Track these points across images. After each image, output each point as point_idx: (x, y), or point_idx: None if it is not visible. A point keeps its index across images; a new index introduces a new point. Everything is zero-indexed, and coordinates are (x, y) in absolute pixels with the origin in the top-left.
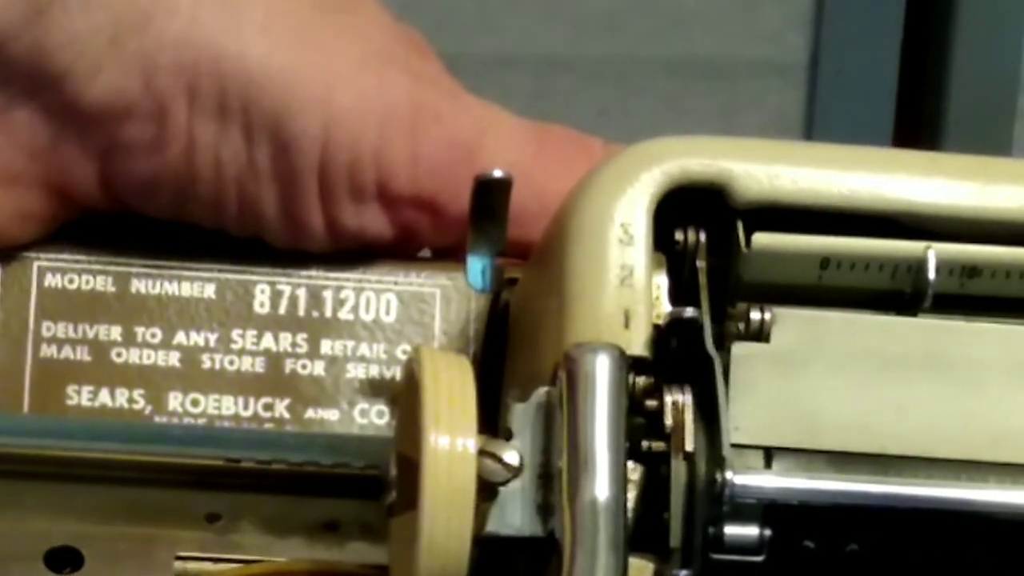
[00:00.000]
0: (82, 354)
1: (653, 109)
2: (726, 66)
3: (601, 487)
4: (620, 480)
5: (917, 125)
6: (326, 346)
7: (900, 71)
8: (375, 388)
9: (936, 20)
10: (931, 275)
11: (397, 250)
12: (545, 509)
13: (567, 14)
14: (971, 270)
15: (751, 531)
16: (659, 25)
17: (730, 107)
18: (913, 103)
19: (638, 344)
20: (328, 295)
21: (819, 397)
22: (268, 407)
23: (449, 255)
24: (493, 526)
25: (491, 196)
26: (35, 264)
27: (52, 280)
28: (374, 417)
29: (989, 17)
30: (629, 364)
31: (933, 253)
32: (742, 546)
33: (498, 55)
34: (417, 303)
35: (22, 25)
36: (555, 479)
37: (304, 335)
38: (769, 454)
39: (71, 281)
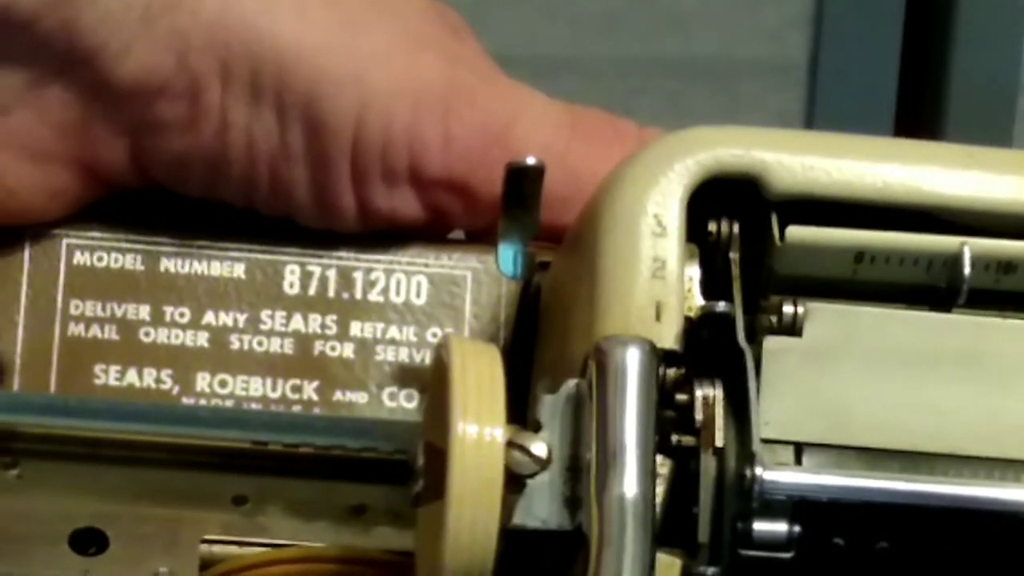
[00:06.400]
0: (110, 333)
1: (653, 109)
2: (726, 66)
3: (630, 483)
4: (649, 475)
5: (917, 125)
6: (356, 328)
7: (900, 71)
8: (404, 371)
9: (936, 20)
10: (966, 270)
11: (429, 232)
12: (573, 502)
13: (567, 14)
14: (1007, 266)
15: (780, 527)
16: (659, 25)
17: (730, 107)
18: (913, 103)
19: (669, 337)
20: (358, 276)
21: (851, 393)
22: (296, 389)
23: (481, 237)
24: (520, 518)
25: (523, 183)
26: (64, 241)
27: (81, 258)
28: (403, 400)
29: (989, 17)
30: (660, 357)
31: (968, 248)
32: (771, 542)
33: (498, 55)
34: (448, 286)
35: (54, 2)
36: (583, 472)
37: (334, 317)
38: (799, 449)
39: (100, 259)
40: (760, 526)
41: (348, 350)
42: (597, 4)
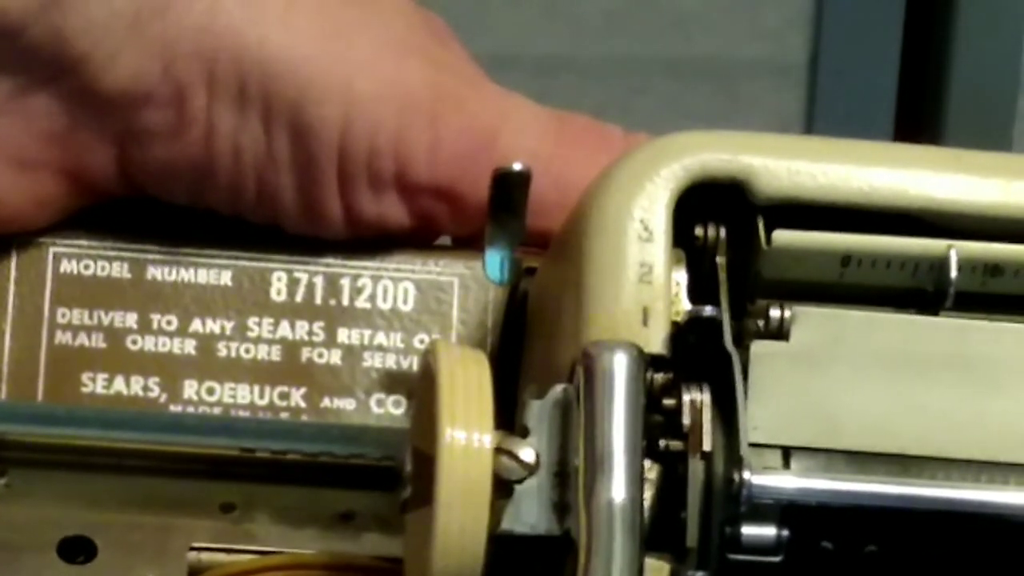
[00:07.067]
0: (97, 341)
1: (653, 109)
2: (726, 66)
3: (618, 488)
4: (637, 481)
5: (917, 125)
6: (343, 335)
7: (900, 71)
8: (392, 378)
9: (936, 20)
10: (953, 273)
11: (416, 238)
12: (561, 508)
13: (567, 14)
14: (994, 268)
15: (768, 531)
16: (659, 25)
17: (730, 107)
18: (913, 103)
19: (656, 342)
20: (345, 283)
21: (838, 396)
22: (284, 396)
23: (468, 243)
24: (508, 524)
25: (510, 189)
26: (51, 250)
27: (68, 266)
28: (391, 407)
29: (989, 17)
30: (647, 362)
31: (955, 251)
32: (759, 546)
33: (498, 55)
34: (435, 292)
35: (41, 10)
36: (571, 477)
37: (321, 323)
38: (787, 454)
39: (87, 267)
40: (748, 530)
41: (335, 357)
42: (597, 4)
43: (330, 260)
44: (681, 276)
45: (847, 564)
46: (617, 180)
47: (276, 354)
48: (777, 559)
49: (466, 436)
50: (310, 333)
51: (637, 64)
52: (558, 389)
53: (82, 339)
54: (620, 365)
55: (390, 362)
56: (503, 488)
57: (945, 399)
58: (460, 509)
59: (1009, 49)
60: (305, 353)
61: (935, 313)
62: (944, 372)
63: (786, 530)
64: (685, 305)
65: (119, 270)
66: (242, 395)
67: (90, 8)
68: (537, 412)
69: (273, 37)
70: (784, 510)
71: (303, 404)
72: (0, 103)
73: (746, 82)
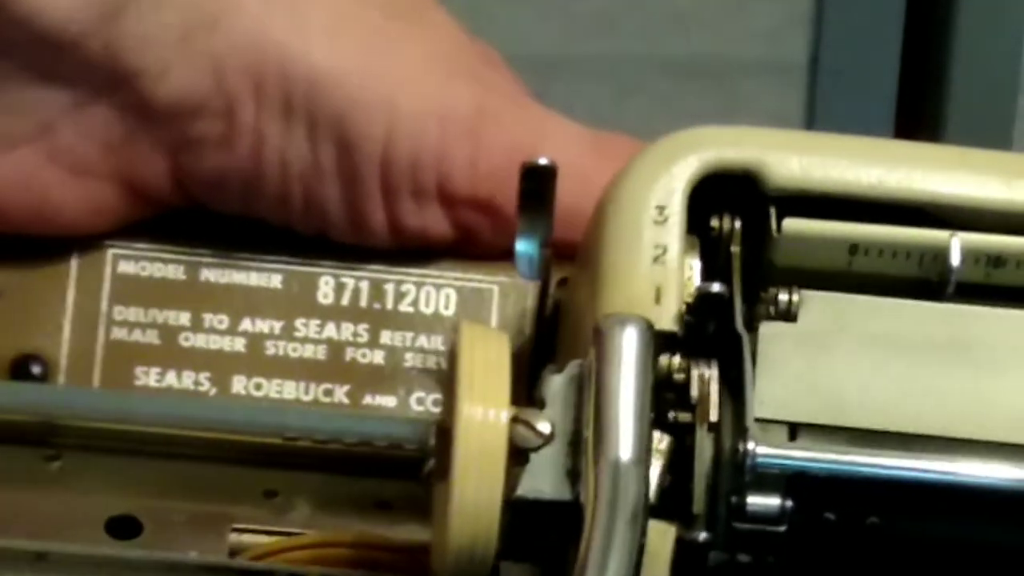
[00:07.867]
0: (151, 337)
1: (650, 109)
2: (725, 66)
3: (624, 449)
4: (643, 443)
5: (917, 125)
6: (386, 336)
7: (900, 71)
8: (432, 378)
9: (936, 20)
10: (955, 263)
11: (459, 250)
12: (574, 475)
13: (563, 14)
14: (996, 260)
15: (773, 501)
16: (656, 25)
17: (729, 107)
18: (913, 103)
19: (668, 320)
20: (390, 288)
21: (843, 377)
22: (328, 392)
23: (509, 255)
24: (523, 490)
25: (537, 183)
26: (110, 251)
27: (125, 267)
28: (430, 405)
29: (989, 17)
30: (658, 338)
31: (957, 241)
32: (764, 516)
33: None
34: (476, 298)
35: (98, 25)
36: (584, 445)
37: (365, 325)
38: (793, 429)
39: (143, 268)
40: (754, 500)
41: (378, 357)
42: (594, 3)
43: (376, 266)
44: (695, 262)
45: (849, 535)
46: (635, 171)
47: (322, 353)
48: (781, 528)
49: (483, 407)
50: (355, 334)
51: (634, 64)
52: (574, 364)
53: (137, 335)
54: (630, 336)
55: (431, 363)
56: (520, 456)
57: (945, 381)
58: (475, 476)
59: (1009, 49)
60: (349, 353)
61: (939, 302)
62: (945, 355)
63: (790, 501)
64: None
65: (174, 272)
66: (288, 391)
67: (143, 22)
68: (554, 385)
69: (318, 51)
70: (789, 482)
71: (346, 400)
72: (60, 114)
73: (745, 82)
